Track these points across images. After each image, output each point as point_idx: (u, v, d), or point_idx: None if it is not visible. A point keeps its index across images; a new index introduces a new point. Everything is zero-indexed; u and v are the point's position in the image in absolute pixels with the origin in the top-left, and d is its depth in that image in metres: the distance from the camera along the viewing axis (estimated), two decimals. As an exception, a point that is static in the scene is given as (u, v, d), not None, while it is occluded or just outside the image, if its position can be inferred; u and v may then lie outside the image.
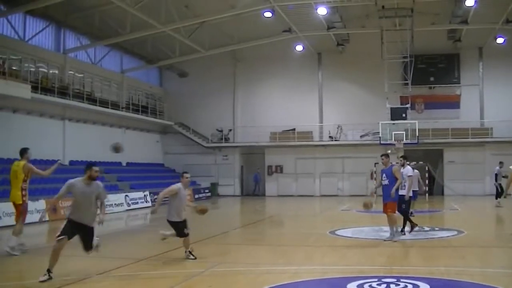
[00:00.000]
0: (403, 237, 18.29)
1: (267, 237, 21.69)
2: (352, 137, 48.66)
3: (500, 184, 31.92)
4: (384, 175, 17.64)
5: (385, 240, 17.46)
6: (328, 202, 40.85)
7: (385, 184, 17.53)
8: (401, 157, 20.58)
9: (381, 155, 18.33)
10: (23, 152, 16.18)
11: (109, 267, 13.16)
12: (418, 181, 23.30)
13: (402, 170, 19.07)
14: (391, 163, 18.08)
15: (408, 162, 20.30)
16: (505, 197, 29.48)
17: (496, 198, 32.29)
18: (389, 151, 45.00)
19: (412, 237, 18.63)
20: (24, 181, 15.92)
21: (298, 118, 49.29)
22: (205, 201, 44.37)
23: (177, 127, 51.03)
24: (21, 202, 15.78)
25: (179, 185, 14.07)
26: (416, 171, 22.59)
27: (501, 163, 32.79)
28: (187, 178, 14.33)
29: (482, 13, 40.64)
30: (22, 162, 15.94)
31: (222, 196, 49.41)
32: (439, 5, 41.23)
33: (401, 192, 18.35)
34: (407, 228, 18.70)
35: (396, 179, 17.39)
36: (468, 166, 45.82)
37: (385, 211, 17.74)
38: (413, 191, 22.44)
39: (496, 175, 33.19)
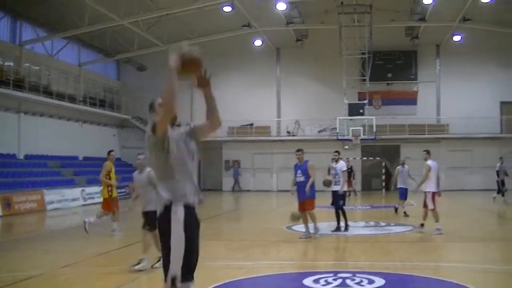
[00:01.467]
0: (359, 231, 18.37)
1: (225, 232, 21.64)
2: (310, 132, 48.78)
3: (502, 181, 31.33)
4: (299, 171, 17.28)
5: (301, 238, 17.15)
6: (285, 197, 40.87)
7: (300, 181, 17.17)
8: (335, 152, 20.31)
9: (297, 151, 18.04)
10: (108, 153, 19.25)
11: (65, 262, 13.02)
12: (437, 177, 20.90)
13: (335, 165, 19.30)
14: (305, 160, 17.58)
15: (341, 157, 20.26)
16: (502, 195, 29.88)
17: (499, 193, 31.17)
18: (347, 147, 45.47)
19: (368, 232, 18.75)
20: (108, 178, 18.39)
21: (256, 113, 49.30)
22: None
23: (135, 121, 50.60)
24: (106, 196, 18.48)
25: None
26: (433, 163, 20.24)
27: (501, 158, 32.39)
28: (138, 160, 13.52)
29: (440, 11, 41.09)
30: (106, 162, 18.73)
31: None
32: (398, 2, 41.60)
33: (335, 188, 18.57)
34: (342, 224, 18.66)
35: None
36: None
37: (303, 209, 17.20)
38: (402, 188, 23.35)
39: (497, 171, 31.89)
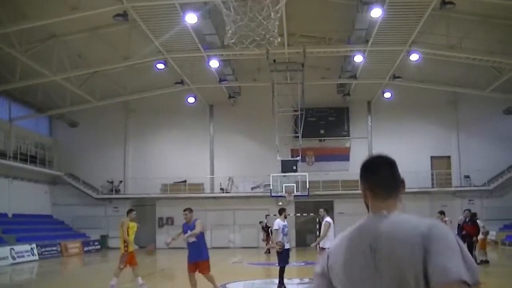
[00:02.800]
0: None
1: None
2: (244, 189, 48.77)
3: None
4: (188, 231, 16.19)
5: None
6: (219, 254, 40.61)
7: (192, 241, 16.25)
8: (280, 210, 19.83)
9: (184, 210, 16.71)
10: (128, 212, 20.18)
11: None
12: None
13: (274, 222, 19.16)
14: (194, 219, 16.45)
15: (274, 215, 20.75)
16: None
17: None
18: (280, 203, 45.56)
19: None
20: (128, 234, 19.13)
21: (190, 170, 49.16)
22: (95, 254, 43.47)
23: (67, 177, 49.82)
24: (123, 252, 19.14)
25: None
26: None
27: (466, 211, 28.12)
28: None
29: (371, 69, 41.82)
30: (124, 219, 19.65)
31: (112, 248, 48.38)
32: (329, 60, 42.25)
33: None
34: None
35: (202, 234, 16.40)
36: (357, 217, 45.42)
37: (199, 271, 16.50)
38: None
39: (459, 225, 26.62)
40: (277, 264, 18.83)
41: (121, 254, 19.27)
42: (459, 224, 25.56)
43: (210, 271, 16.58)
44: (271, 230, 35.05)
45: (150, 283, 23.60)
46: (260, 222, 43.06)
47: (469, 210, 25.40)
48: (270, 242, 31.86)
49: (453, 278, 2.62)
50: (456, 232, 23.75)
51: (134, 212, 20.13)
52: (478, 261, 24.37)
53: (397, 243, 2.87)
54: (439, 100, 48.68)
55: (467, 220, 24.70)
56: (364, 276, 2.92)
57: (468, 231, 24.18)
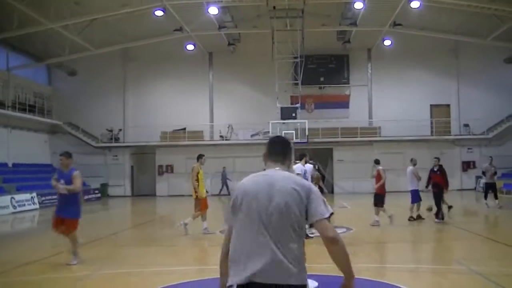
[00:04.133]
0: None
1: (157, 237, 21.40)
2: (243, 136, 48.73)
3: (492, 184, 28.35)
4: (62, 180, 13.73)
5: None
6: (219, 201, 40.81)
7: (64, 194, 13.71)
8: (300, 155, 20.01)
9: (60, 155, 14.30)
10: (198, 157, 20.32)
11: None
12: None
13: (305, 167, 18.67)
14: (72, 167, 14.14)
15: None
16: (485, 197, 28.50)
17: (485, 198, 28.51)
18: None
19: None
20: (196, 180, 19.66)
21: (189, 118, 49.08)
22: (95, 202, 43.64)
23: (66, 126, 49.71)
24: (195, 197, 20.00)
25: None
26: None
27: (490, 158, 29.45)
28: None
29: (371, 16, 41.54)
30: (195, 165, 20.02)
31: (112, 196, 48.59)
32: (329, 7, 41.90)
33: None
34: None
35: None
36: (357, 165, 46.53)
37: (61, 230, 13.83)
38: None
39: (483, 172, 29.30)
40: None
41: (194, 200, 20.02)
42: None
43: (76, 230, 13.81)
44: None
45: (151, 229, 23.75)
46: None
47: (438, 159, 23.07)
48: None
49: (322, 216, 4.68)
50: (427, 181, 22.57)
51: (204, 157, 20.12)
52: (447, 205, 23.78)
53: (286, 185, 4.72)
54: (439, 48, 48.45)
55: (435, 169, 22.59)
56: (260, 200, 4.68)
57: (436, 181, 22.21)
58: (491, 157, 29.14)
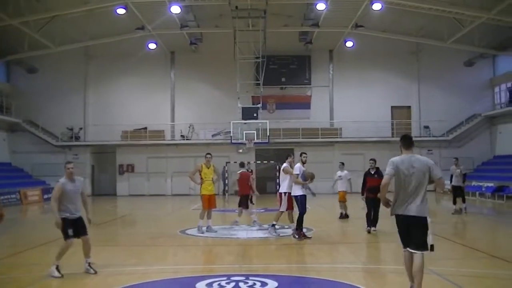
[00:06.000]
0: (253, 234, 18.42)
1: (118, 237, 21.29)
2: (204, 136, 48.69)
3: (460, 187, 26.59)
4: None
5: None
6: (180, 201, 40.72)
7: None
8: (304, 153, 18.83)
9: (69, 162, 12.72)
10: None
11: None
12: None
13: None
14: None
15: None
16: (454, 202, 26.77)
17: (454, 203, 26.74)
18: (241, 150, 45.59)
19: (263, 235, 18.79)
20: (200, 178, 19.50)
21: (150, 117, 48.92)
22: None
23: (26, 124, 49.15)
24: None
25: (62, 180, 12.40)
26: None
27: (456, 159, 27.69)
28: (68, 169, 12.45)
29: (333, 17, 41.76)
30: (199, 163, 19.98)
31: (72, 195, 48.06)
32: (292, 7, 42.01)
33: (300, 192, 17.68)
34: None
35: None
36: (318, 165, 46.48)
37: None
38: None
39: (451, 176, 26.83)
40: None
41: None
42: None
43: None
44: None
45: (111, 229, 23.59)
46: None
47: (374, 160, 20.26)
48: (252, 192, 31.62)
49: (438, 176, 9.45)
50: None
51: (208, 156, 19.81)
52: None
53: (420, 164, 9.39)
54: (401, 50, 48.94)
55: (371, 172, 19.81)
56: (407, 175, 9.34)
57: (372, 184, 19.05)
58: (456, 158, 28.19)
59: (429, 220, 9.29)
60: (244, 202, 21.65)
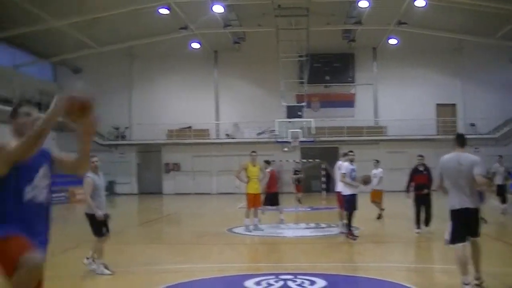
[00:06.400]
0: (300, 233, 18.44)
1: (164, 235, 21.48)
2: (249, 135, 48.74)
3: (502, 186, 24.54)
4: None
5: None
6: (225, 199, 40.85)
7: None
8: (350, 151, 18.13)
9: (93, 156, 12.62)
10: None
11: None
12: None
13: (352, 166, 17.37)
14: None
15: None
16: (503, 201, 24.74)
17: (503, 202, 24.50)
18: (286, 149, 45.57)
19: (309, 233, 18.80)
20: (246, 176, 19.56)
21: (195, 116, 49.13)
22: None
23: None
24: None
25: (90, 175, 12.41)
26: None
27: (500, 157, 25.85)
28: (92, 163, 12.46)
29: (376, 15, 41.53)
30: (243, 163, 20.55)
31: (119, 194, 48.59)
32: (335, 5, 41.90)
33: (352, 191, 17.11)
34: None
35: None
36: (363, 164, 46.28)
37: None
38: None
39: (493, 173, 24.59)
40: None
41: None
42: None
43: None
44: (298, 179, 34.37)
45: (157, 227, 23.79)
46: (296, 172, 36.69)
47: (422, 156, 19.37)
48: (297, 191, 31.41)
49: (478, 172, 9.78)
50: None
51: (253, 154, 19.77)
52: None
53: (466, 161, 9.82)
54: (445, 47, 48.36)
55: (419, 168, 18.86)
56: (456, 171, 9.87)
57: (421, 181, 18.25)
58: (500, 156, 26.43)
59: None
60: (273, 200, 21.30)
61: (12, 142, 5.08)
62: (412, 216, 18.62)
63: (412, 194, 18.54)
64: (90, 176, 12.37)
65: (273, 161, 32.18)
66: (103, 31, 42.87)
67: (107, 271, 11.95)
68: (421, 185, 18.24)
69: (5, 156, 4.95)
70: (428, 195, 18.16)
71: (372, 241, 17.22)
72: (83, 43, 44.09)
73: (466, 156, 10.07)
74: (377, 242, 17.21)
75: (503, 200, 24.44)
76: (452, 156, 10.15)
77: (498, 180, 24.30)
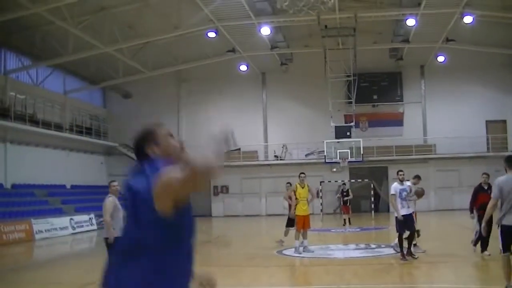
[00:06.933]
0: (350, 254, 18.33)
1: (215, 257, 21.52)
2: (297, 156, 48.68)
3: None
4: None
5: None
6: (274, 221, 40.79)
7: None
8: (400, 171, 18.14)
9: (114, 180, 13.71)
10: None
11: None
12: None
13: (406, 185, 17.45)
14: None
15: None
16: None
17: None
18: (335, 169, 45.45)
19: (359, 254, 18.70)
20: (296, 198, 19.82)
21: (244, 138, 49.08)
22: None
23: (122, 148, 50.21)
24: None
25: (110, 197, 13.03)
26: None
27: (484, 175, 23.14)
28: (114, 186, 13.24)
29: (423, 32, 41.29)
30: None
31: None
32: (381, 24, 41.81)
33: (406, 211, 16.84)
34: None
35: None
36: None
37: None
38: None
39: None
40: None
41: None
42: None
43: None
44: (346, 199, 33.72)
45: (207, 249, 23.86)
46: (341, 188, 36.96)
47: (488, 175, 18.00)
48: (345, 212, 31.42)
49: None
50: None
51: (301, 176, 19.98)
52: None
53: None
54: (494, 62, 47.75)
55: (484, 187, 17.56)
56: (510, 193, 10.50)
57: (485, 200, 15.10)
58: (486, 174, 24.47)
59: None
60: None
61: (172, 170, 3.80)
62: (471, 236, 17.86)
63: (475, 214, 17.36)
64: (110, 198, 13.02)
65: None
66: (152, 55, 43.28)
67: None
68: (485, 205, 17.02)
69: (176, 190, 3.73)
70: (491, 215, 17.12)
71: (423, 261, 17.01)
72: (132, 68, 44.56)
73: None
74: (429, 262, 16.98)
75: None
76: (508, 178, 10.93)
77: None
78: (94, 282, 14.45)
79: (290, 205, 20.39)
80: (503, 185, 10.84)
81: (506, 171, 10.75)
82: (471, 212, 17.63)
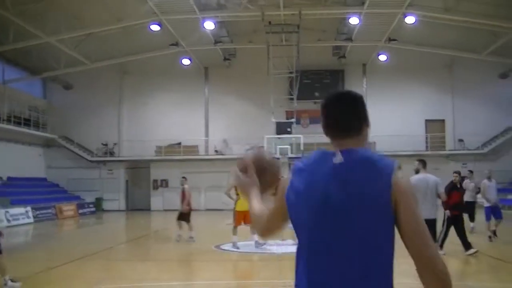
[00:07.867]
0: (289, 249, 18.36)
1: (152, 252, 21.39)
2: (238, 151, 48.66)
3: (472, 203, 23.15)
4: None
5: None
6: (213, 216, 40.74)
7: None
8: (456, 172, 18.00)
9: None
10: None
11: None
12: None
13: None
14: None
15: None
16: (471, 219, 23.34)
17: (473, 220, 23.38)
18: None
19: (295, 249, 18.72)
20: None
21: (184, 132, 49.07)
22: (90, 216, 43.57)
23: (61, 140, 49.62)
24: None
25: None
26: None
27: (471, 172, 24.84)
28: None
29: (366, 31, 41.66)
30: None
31: (107, 211, 48.40)
32: (325, 22, 42.01)
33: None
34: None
35: None
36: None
37: None
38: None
39: (479, 189, 22.64)
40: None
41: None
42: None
43: None
44: None
45: (145, 244, 23.70)
46: None
47: (458, 173, 18.45)
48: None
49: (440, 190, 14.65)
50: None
51: None
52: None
53: (432, 181, 13.90)
54: (434, 63, 48.52)
55: (458, 186, 18.04)
56: (425, 189, 13.54)
57: (457, 200, 17.42)
58: (471, 171, 25.03)
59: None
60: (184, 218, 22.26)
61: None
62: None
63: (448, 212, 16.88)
64: None
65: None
66: (94, 47, 42.76)
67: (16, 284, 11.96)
68: (457, 204, 17.34)
69: None
70: (461, 215, 17.34)
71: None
72: (74, 60, 43.91)
73: (430, 177, 13.70)
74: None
75: (472, 219, 23.18)
76: (421, 177, 13.50)
77: (468, 197, 22.34)
78: (31, 275, 14.25)
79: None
80: (419, 183, 12.98)
81: (419, 171, 11.47)
82: (445, 209, 16.81)
